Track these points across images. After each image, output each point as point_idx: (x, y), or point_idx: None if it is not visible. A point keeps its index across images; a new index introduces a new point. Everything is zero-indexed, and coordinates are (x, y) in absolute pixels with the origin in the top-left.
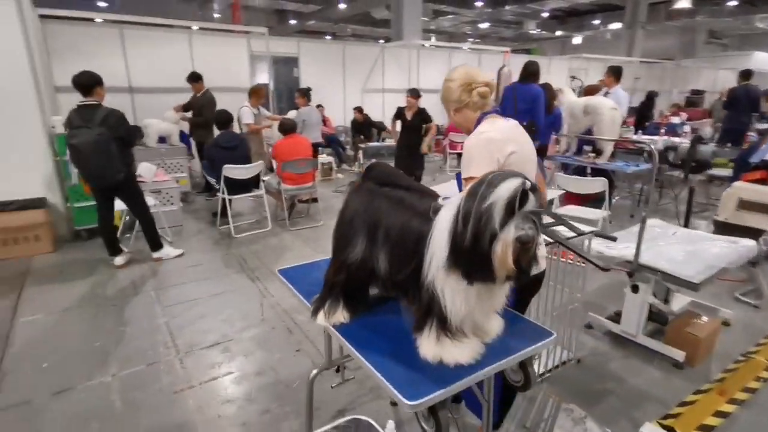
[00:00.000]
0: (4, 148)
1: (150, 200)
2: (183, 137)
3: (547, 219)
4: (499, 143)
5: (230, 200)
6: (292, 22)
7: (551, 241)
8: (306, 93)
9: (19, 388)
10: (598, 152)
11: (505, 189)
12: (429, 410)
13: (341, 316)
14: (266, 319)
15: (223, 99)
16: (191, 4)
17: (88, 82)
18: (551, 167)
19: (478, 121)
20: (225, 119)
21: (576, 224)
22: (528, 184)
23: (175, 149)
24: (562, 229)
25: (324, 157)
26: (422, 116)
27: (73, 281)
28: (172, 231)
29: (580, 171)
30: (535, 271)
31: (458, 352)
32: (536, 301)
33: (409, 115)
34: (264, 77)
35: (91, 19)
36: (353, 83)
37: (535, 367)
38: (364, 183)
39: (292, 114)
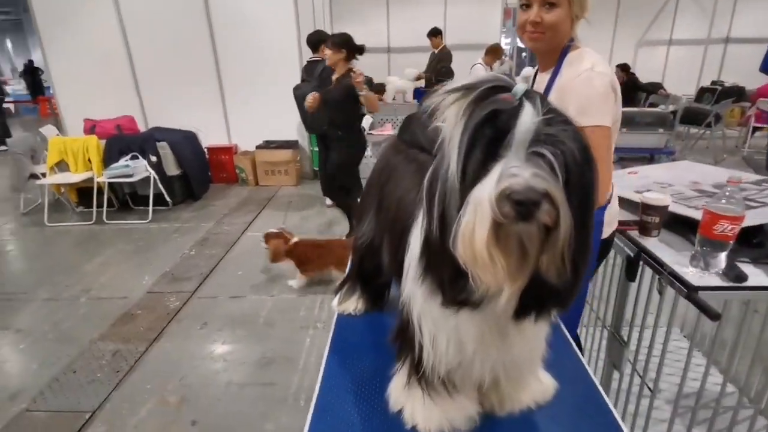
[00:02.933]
0: (273, 100)
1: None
2: (420, 95)
3: None
4: (616, 87)
5: None
6: None
7: None
8: None
9: (215, 285)
10: None
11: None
12: None
13: (352, 305)
14: None
15: (466, 56)
16: None
17: (313, 39)
18: None
19: (564, 52)
20: (445, 74)
21: None
22: (521, 87)
23: (407, 106)
24: None
25: None
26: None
27: (294, 211)
28: None
29: None
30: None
31: (422, 411)
32: None
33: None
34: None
35: None
36: (626, 35)
37: None
38: (395, 139)
39: (527, 71)
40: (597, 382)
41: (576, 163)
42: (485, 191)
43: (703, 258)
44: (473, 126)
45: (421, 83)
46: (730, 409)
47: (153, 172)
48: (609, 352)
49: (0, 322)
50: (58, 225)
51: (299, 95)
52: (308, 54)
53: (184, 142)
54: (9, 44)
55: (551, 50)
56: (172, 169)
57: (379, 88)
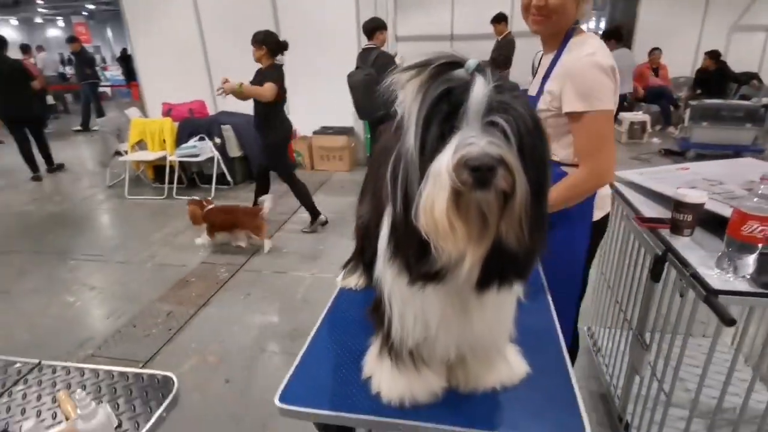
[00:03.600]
0: (331, 86)
1: None
2: None
3: None
4: (617, 75)
5: None
6: None
7: None
8: (614, 33)
9: (262, 260)
10: None
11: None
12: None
13: (354, 281)
14: None
15: (534, 43)
16: None
17: (369, 27)
18: None
19: (568, 35)
20: (502, 62)
21: None
22: (472, 61)
23: None
24: None
25: (636, 115)
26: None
27: (342, 196)
28: None
29: None
30: None
31: (388, 380)
32: None
33: None
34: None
35: None
36: (718, 20)
37: None
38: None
39: None
40: (573, 376)
41: (527, 130)
42: (443, 161)
43: (730, 260)
44: (429, 102)
45: None
46: (753, 424)
47: (217, 153)
48: (631, 355)
49: (81, 279)
50: (136, 198)
51: (353, 82)
52: (365, 41)
53: (247, 125)
54: (109, 33)
55: (555, 33)
56: (235, 151)
57: None
